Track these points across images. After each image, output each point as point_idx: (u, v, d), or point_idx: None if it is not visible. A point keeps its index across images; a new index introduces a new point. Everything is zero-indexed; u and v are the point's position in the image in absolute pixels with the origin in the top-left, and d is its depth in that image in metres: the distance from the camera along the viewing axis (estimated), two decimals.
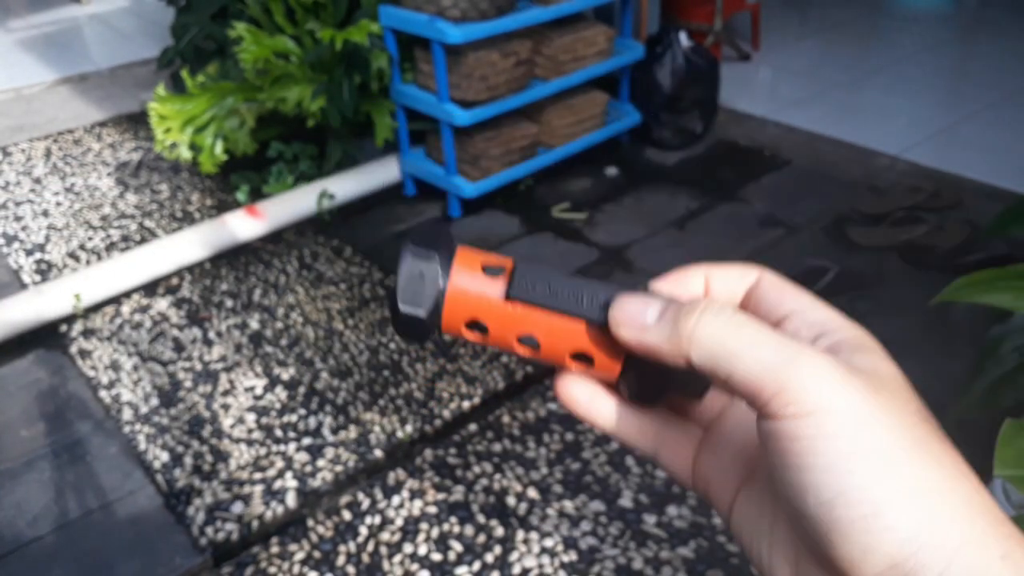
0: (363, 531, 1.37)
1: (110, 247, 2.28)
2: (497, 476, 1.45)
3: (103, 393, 1.73)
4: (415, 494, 1.43)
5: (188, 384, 1.74)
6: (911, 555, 0.20)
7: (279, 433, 1.58)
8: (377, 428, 1.58)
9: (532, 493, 1.41)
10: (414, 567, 1.30)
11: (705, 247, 2.12)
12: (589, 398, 0.28)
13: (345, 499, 1.43)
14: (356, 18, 2.22)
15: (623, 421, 0.28)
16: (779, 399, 0.21)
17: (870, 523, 0.20)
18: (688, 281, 0.27)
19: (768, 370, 0.21)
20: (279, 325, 1.91)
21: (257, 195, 2.42)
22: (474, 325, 0.26)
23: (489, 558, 1.30)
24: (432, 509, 1.40)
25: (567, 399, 0.28)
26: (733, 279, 0.27)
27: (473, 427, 1.57)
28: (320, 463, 1.50)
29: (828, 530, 0.20)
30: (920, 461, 0.21)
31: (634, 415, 0.28)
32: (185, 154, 2.21)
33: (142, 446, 1.58)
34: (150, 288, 2.08)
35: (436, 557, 1.31)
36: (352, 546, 1.34)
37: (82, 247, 2.29)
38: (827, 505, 0.20)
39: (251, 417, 1.63)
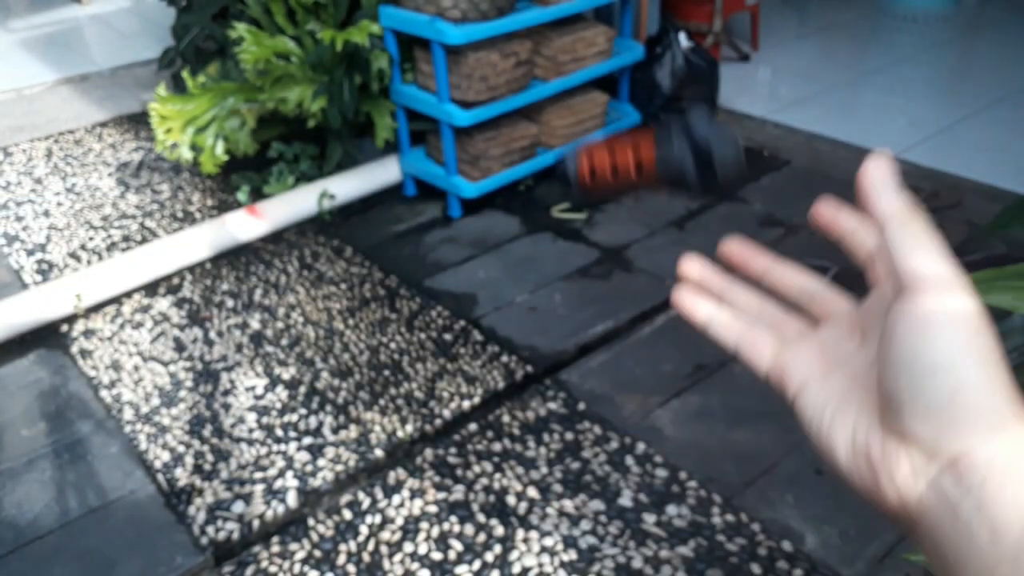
0: (363, 530, 1.37)
1: (111, 247, 2.29)
2: (497, 475, 1.46)
3: (104, 393, 1.73)
4: (415, 493, 1.43)
5: (189, 384, 1.74)
6: (970, 453, 0.24)
7: (280, 432, 1.59)
8: (377, 427, 1.58)
9: (532, 492, 1.42)
10: (414, 566, 1.30)
11: (705, 247, 2.11)
12: (707, 316, 0.35)
13: (346, 498, 1.44)
14: (357, 19, 2.22)
15: (720, 316, 0.35)
16: (932, 289, 0.26)
17: (958, 412, 0.24)
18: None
19: (935, 270, 0.26)
20: (280, 325, 1.91)
21: (258, 195, 2.42)
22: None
23: (489, 557, 1.31)
24: (432, 508, 1.40)
25: (682, 301, 0.35)
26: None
27: (473, 426, 1.57)
28: (321, 462, 1.51)
29: (920, 389, 0.25)
30: (1008, 393, 0.25)
31: (733, 316, 0.35)
32: (186, 154, 2.21)
33: (143, 445, 1.58)
34: (151, 288, 2.08)
35: (436, 556, 1.32)
36: (353, 545, 1.35)
37: (83, 247, 2.30)
38: (934, 386, 0.25)
39: (252, 417, 1.63)
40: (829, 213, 0.32)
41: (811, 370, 0.31)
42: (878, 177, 0.28)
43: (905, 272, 0.26)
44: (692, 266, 0.36)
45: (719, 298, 0.36)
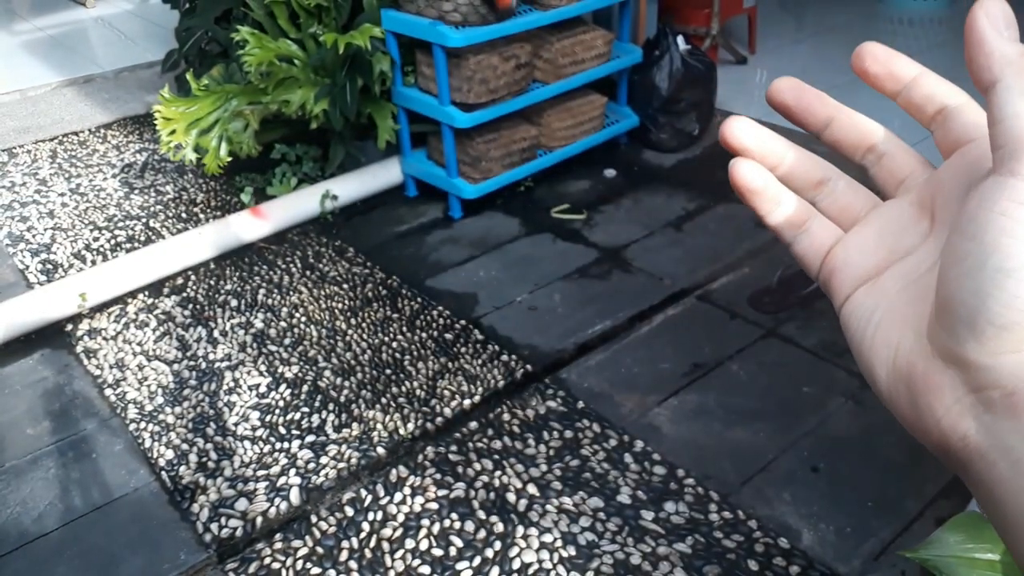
0: (365, 527, 1.39)
1: (115, 248, 2.31)
2: (497, 473, 1.47)
3: (108, 391, 1.75)
4: (417, 490, 1.45)
5: (193, 382, 1.76)
6: None
7: (283, 431, 1.61)
8: (379, 426, 1.60)
9: (532, 489, 1.43)
10: (415, 562, 1.32)
11: (702, 247, 2.14)
12: (763, 184, 0.28)
13: (348, 495, 1.45)
14: (359, 22, 2.24)
15: (779, 208, 0.28)
16: None
17: None
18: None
19: None
20: (283, 324, 1.93)
21: (261, 196, 2.44)
22: None
23: (489, 553, 1.32)
24: (433, 505, 1.42)
25: (742, 179, 0.28)
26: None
27: (474, 424, 1.59)
28: (323, 460, 1.53)
29: (987, 296, 0.20)
30: None
31: (792, 206, 0.28)
32: (190, 156, 2.23)
33: (147, 443, 1.60)
34: (155, 288, 2.10)
35: (437, 552, 1.33)
36: (355, 542, 1.36)
37: (87, 248, 2.32)
38: (1006, 296, 0.19)
39: (255, 415, 1.65)
40: (878, 60, 0.26)
41: (862, 269, 0.26)
42: (994, 17, 0.21)
43: (1012, 139, 0.20)
44: (744, 130, 0.28)
45: (774, 169, 0.29)
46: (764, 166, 0.28)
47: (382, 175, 2.47)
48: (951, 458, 0.22)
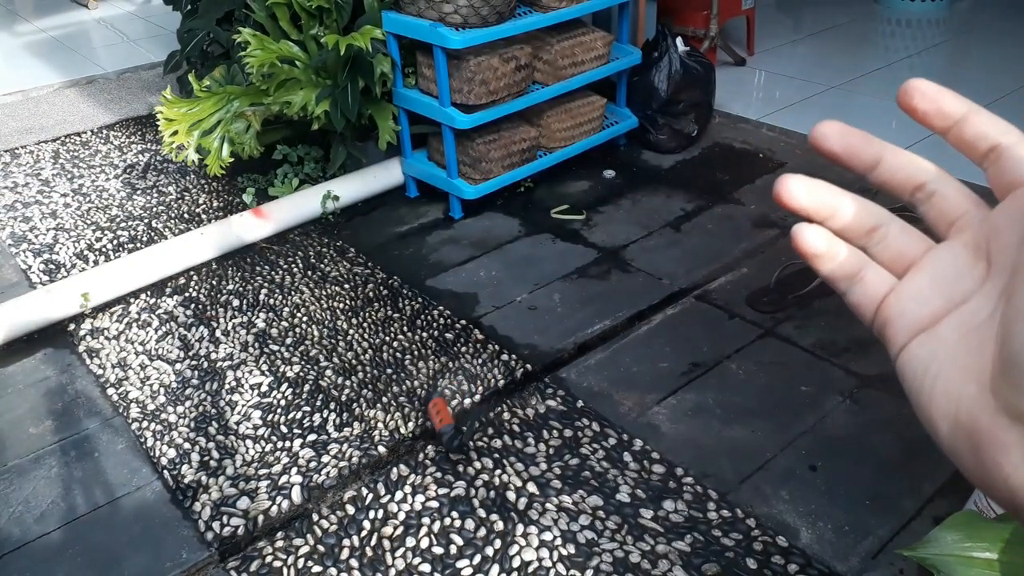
0: (366, 525, 1.40)
1: (118, 248, 2.32)
2: (497, 471, 1.48)
3: (111, 391, 1.76)
4: (417, 489, 1.46)
5: (195, 382, 1.77)
6: None
7: (284, 429, 1.62)
8: (380, 424, 1.61)
9: (531, 488, 1.44)
10: (416, 560, 1.32)
11: (701, 247, 2.15)
12: (827, 246, 0.27)
13: (349, 494, 1.46)
14: (360, 24, 2.26)
15: (835, 262, 0.27)
16: None
17: None
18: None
19: None
20: (284, 324, 1.94)
21: (263, 197, 2.45)
22: None
23: (489, 552, 1.33)
24: (434, 504, 1.43)
25: (807, 245, 0.27)
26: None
27: (474, 423, 1.60)
28: (324, 459, 1.54)
29: None
30: None
31: (846, 256, 0.27)
32: (192, 157, 2.24)
33: (149, 443, 1.61)
34: (158, 288, 2.11)
35: (438, 550, 1.34)
36: (356, 540, 1.37)
37: (90, 248, 2.33)
38: None
39: (257, 414, 1.66)
40: (926, 96, 0.26)
41: (917, 318, 0.25)
42: None
43: None
44: (799, 189, 0.27)
45: (827, 221, 0.28)
46: (817, 220, 0.28)
47: (383, 176, 2.48)
48: (1020, 513, 0.22)
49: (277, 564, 1.34)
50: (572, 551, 1.32)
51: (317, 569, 1.32)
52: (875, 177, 0.28)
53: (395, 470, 1.50)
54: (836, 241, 0.27)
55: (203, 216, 2.46)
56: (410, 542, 1.36)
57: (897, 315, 0.26)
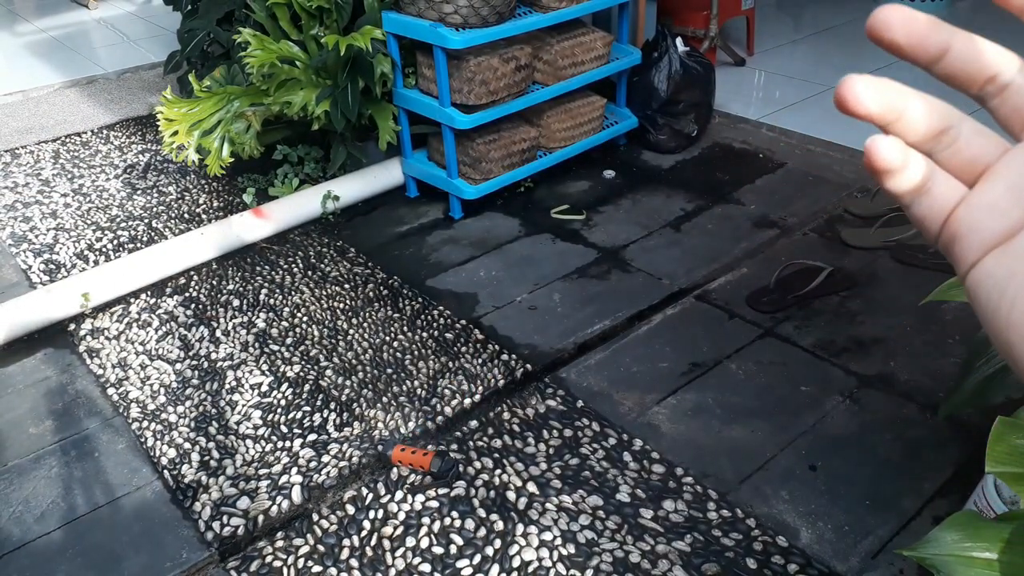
0: (367, 525, 1.40)
1: (118, 248, 2.32)
2: (497, 471, 1.48)
3: (111, 391, 1.76)
4: (417, 489, 1.46)
5: (195, 382, 1.77)
6: None
7: (284, 429, 1.62)
8: (380, 424, 1.61)
9: (531, 488, 1.44)
10: (416, 560, 1.33)
11: (700, 247, 2.15)
12: (903, 160, 0.24)
13: (349, 494, 1.46)
14: (360, 24, 2.26)
15: (906, 171, 0.24)
16: None
17: None
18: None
19: None
20: (285, 324, 1.94)
21: (263, 197, 2.45)
22: None
23: (489, 551, 1.33)
24: (434, 504, 1.43)
25: (881, 160, 0.24)
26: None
27: (474, 423, 1.60)
28: (325, 459, 1.54)
29: None
30: None
31: (915, 166, 0.24)
32: (192, 157, 2.24)
33: (149, 442, 1.61)
34: (158, 288, 2.11)
35: (438, 550, 1.34)
36: (356, 540, 1.37)
37: (90, 248, 2.33)
38: None
39: (257, 414, 1.66)
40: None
41: (991, 232, 0.23)
42: None
43: None
44: (866, 93, 0.24)
45: (892, 126, 0.24)
46: (881, 125, 0.24)
47: (383, 176, 2.48)
48: None
49: (277, 564, 1.34)
50: (572, 551, 1.32)
51: (317, 569, 1.32)
52: (941, 69, 0.24)
53: (395, 470, 1.50)
54: (911, 152, 0.24)
55: (203, 216, 2.46)
56: (410, 542, 1.36)
57: (968, 229, 0.23)
